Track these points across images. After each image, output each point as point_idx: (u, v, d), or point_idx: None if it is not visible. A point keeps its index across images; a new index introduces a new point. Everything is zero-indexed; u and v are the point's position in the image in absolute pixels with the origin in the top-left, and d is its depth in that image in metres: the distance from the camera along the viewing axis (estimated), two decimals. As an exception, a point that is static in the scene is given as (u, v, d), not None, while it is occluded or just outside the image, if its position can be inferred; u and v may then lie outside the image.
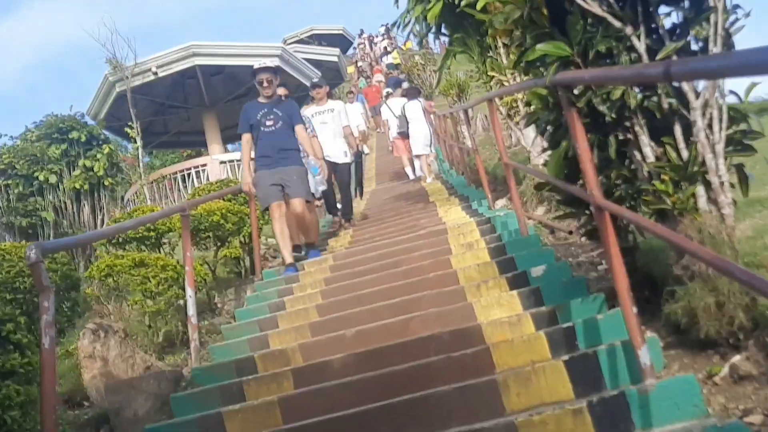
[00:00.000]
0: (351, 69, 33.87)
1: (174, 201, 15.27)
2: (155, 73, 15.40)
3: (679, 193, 3.26)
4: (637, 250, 4.09)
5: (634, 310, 3.12)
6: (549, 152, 4.14)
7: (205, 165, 15.84)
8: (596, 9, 3.31)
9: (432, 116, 15.70)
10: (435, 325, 4.44)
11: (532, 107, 3.94)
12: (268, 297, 6.24)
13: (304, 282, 6.38)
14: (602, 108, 3.36)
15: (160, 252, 6.73)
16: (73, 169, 9.67)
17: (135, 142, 15.06)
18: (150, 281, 5.53)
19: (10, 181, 10.68)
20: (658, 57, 3.19)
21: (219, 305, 7.38)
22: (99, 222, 9.19)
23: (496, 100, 7.94)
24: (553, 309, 4.11)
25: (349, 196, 8.93)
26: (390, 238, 7.60)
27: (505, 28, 3.72)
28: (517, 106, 8.31)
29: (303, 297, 5.89)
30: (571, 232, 5.85)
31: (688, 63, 1.93)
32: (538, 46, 3.41)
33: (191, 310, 5.39)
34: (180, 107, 18.05)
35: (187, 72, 16.02)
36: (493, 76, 8.00)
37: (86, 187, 9.57)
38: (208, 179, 14.97)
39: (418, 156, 13.75)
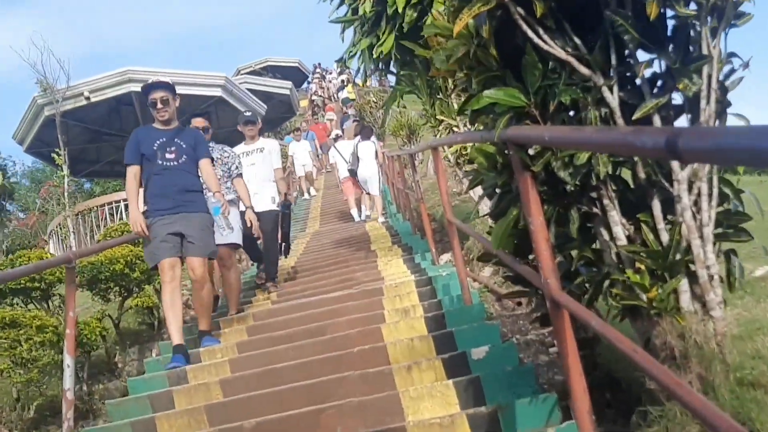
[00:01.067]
0: (305, 103, 33.23)
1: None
2: (87, 98, 14.36)
3: (658, 287, 2.55)
4: (598, 344, 3.39)
5: (598, 439, 2.40)
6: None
7: (136, 198, 14.79)
8: (558, 52, 2.62)
9: (382, 156, 15.15)
10: (352, 422, 3.66)
11: (476, 165, 3.21)
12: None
13: (214, 347, 5.53)
14: (563, 174, 2.65)
15: (48, 306, 5.80)
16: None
17: (62, 169, 14.02)
18: (21, 345, 4.62)
19: None
20: (636, 115, 2.51)
21: (120, 365, 6.47)
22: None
23: (444, 147, 7.29)
24: (494, 410, 3.36)
25: (275, 250, 7.82)
26: (321, 293, 6.83)
27: (448, 69, 3.01)
28: (467, 154, 7.64)
29: (209, 367, 5.03)
30: (520, 303, 5.14)
31: (710, 137, 1.21)
32: (486, 93, 2.69)
33: (67, 383, 4.49)
34: (114, 135, 16.93)
35: (123, 98, 15.01)
36: (442, 120, 7.33)
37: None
38: (139, 213, 13.96)
39: (368, 194, 13.32)
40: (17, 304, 5.97)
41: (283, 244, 8.28)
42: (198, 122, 6.46)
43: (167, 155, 5.35)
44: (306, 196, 18.81)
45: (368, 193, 13.45)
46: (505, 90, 2.72)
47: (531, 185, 2.54)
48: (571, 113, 2.80)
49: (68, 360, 4.59)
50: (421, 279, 6.32)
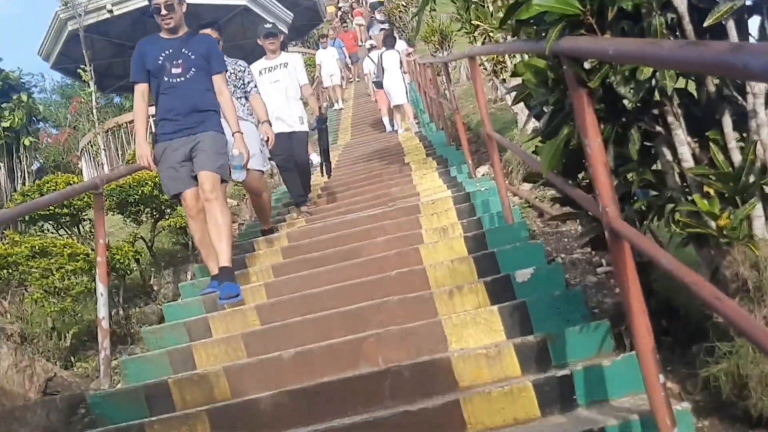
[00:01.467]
0: (331, 9, 32.24)
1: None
2: (110, 11, 14.04)
3: (729, 214, 2.30)
4: (654, 268, 3.16)
5: (662, 379, 2.22)
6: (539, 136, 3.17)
7: (164, 113, 14.61)
8: (620, -54, 2.30)
9: (411, 62, 14.73)
10: (394, 351, 3.52)
11: (522, 80, 2.93)
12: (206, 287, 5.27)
13: (250, 268, 5.43)
14: (623, 90, 2.38)
15: (79, 231, 5.70)
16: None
17: (88, 86, 13.84)
18: (53, 274, 4.54)
19: None
20: (708, 21, 2.20)
21: (155, 288, 6.42)
22: (18, 186, 8.03)
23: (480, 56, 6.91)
24: (543, 339, 3.19)
25: (308, 171, 7.50)
26: (356, 211, 6.67)
27: (491, -28, 2.69)
28: (504, 61, 7.27)
29: (245, 291, 4.90)
30: (565, 220, 4.90)
31: None
32: (536, 1, 2.40)
33: (102, 312, 4.43)
34: (140, 49, 16.70)
35: (147, 10, 14.66)
36: (478, 26, 6.93)
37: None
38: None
39: (397, 107, 13.09)
40: (47, 230, 5.89)
41: (324, 162, 8.02)
42: (209, 33, 5.99)
43: (173, 70, 4.70)
44: (336, 106, 18.46)
45: (396, 106, 13.18)
46: (558, -4, 2.41)
47: (587, 103, 2.28)
48: (632, 21, 2.49)
49: (101, 288, 4.51)
50: (459, 195, 6.10)
